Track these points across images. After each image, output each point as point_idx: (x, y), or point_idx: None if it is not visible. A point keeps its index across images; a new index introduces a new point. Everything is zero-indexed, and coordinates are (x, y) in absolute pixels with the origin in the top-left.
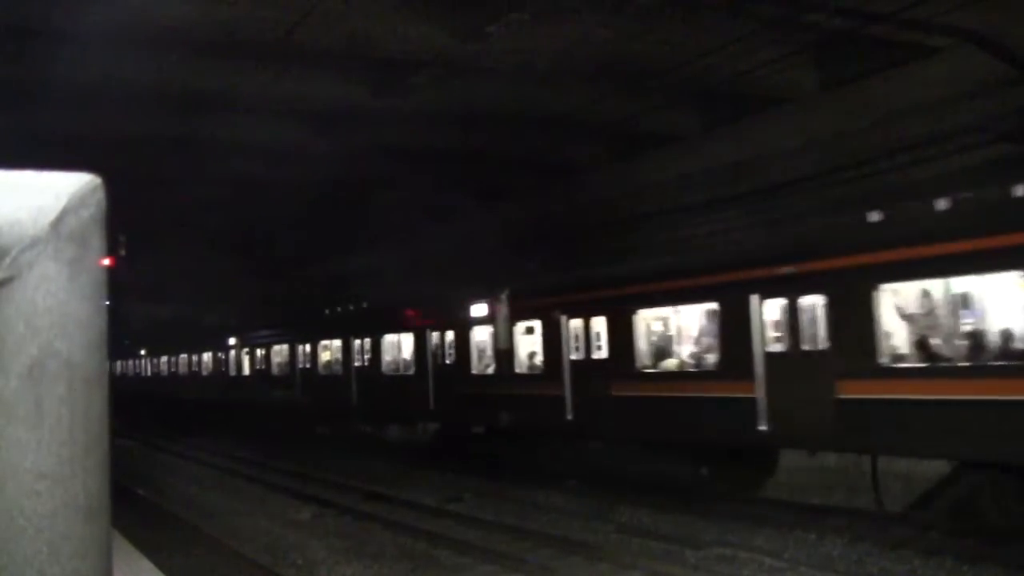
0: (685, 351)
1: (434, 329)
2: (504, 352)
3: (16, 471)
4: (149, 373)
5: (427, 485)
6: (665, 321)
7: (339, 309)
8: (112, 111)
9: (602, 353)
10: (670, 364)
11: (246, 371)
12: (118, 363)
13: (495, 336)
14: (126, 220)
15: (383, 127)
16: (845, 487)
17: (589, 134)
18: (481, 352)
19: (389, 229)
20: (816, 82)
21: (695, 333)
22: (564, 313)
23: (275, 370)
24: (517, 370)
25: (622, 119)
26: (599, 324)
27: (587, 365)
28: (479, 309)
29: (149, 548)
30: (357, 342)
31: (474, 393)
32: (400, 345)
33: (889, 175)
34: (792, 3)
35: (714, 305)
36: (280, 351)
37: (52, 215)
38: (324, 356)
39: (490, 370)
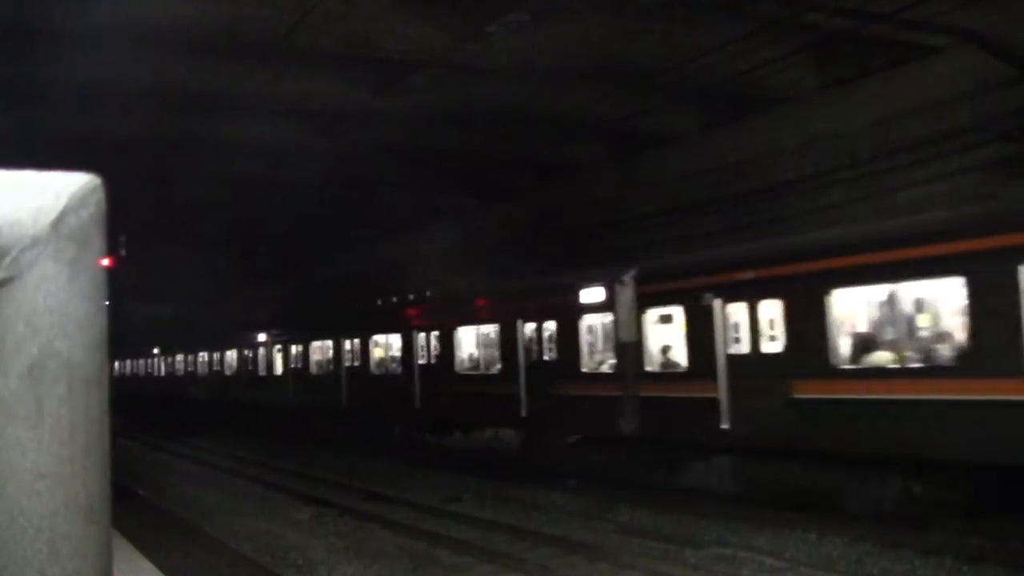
0: (906, 341)
1: (529, 320)
2: (628, 346)
3: (16, 471)
4: (163, 372)
5: (427, 485)
6: (873, 303)
7: (395, 300)
8: (112, 111)
9: (775, 345)
10: (882, 358)
11: (278, 370)
12: (128, 362)
13: (616, 326)
14: (126, 220)
15: (383, 127)
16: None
17: (589, 134)
18: (593, 346)
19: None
20: (816, 82)
21: (924, 317)
22: (719, 296)
23: (315, 369)
24: (647, 367)
25: (622, 119)
26: (771, 309)
27: (753, 361)
28: (592, 295)
29: (149, 548)
30: (422, 336)
31: (583, 395)
32: (480, 340)
33: (889, 175)
34: (792, 3)
35: (958, 280)
36: (321, 348)
37: (52, 215)
38: (377, 353)
39: (605, 367)
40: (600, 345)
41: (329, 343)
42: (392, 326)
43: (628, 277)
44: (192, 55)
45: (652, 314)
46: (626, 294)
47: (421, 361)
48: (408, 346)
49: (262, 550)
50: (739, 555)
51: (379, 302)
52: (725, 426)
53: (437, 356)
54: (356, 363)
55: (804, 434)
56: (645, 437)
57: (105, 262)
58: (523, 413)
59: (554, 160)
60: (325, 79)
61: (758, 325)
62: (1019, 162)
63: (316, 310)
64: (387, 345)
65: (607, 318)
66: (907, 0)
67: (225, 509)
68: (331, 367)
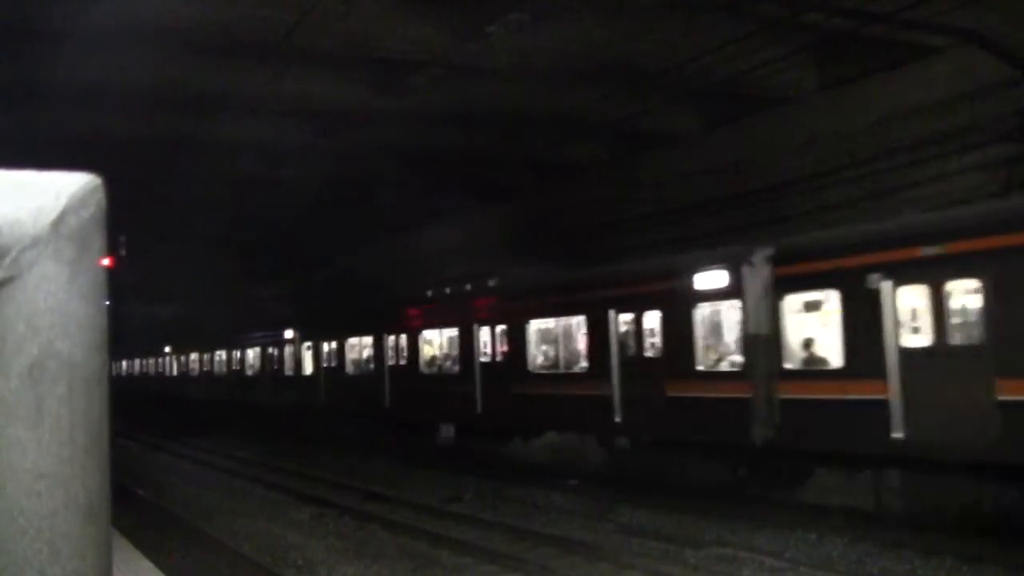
0: None
1: (624, 310)
2: (760, 339)
3: (16, 471)
4: (175, 372)
5: (427, 485)
6: None
7: (448, 290)
8: (112, 111)
9: (972, 336)
10: None
11: (308, 370)
12: (136, 362)
13: (744, 316)
14: (126, 220)
15: (383, 127)
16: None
17: (589, 134)
18: (710, 340)
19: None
20: (816, 82)
21: None
22: (889, 277)
23: (351, 368)
24: (786, 364)
25: (622, 119)
26: (966, 292)
27: (938, 355)
28: (711, 279)
29: (149, 548)
30: (484, 331)
31: (697, 397)
32: (559, 334)
33: (889, 175)
34: (792, 3)
35: None
36: (359, 345)
37: (52, 215)
38: (428, 351)
39: (726, 364)
40: (720, 338)
41: (369, 340)
42: (447, 320)
43: (760, 257)
44: (192, 55)
45: (793, 301)
46: (758, 277)
47: (483, 359)
48: (467, 342)
49: (262, 550)
50: (739, 555)
51: (429, 293)
52: (898, 435)
53: (504, 353)
54: (402, 361)
55: (1018, 444)
56: (783, 446)
57: (105, 262)
58: (616, 418)
59: (557, 160)
60: (325, 79)
61: (946, 311)
62: (1019, 162)
63: (353, 303)
64: (440, 341)
65: (731, 306)
66: (907, 0)
67: (225, 509)
68: (371, 366)
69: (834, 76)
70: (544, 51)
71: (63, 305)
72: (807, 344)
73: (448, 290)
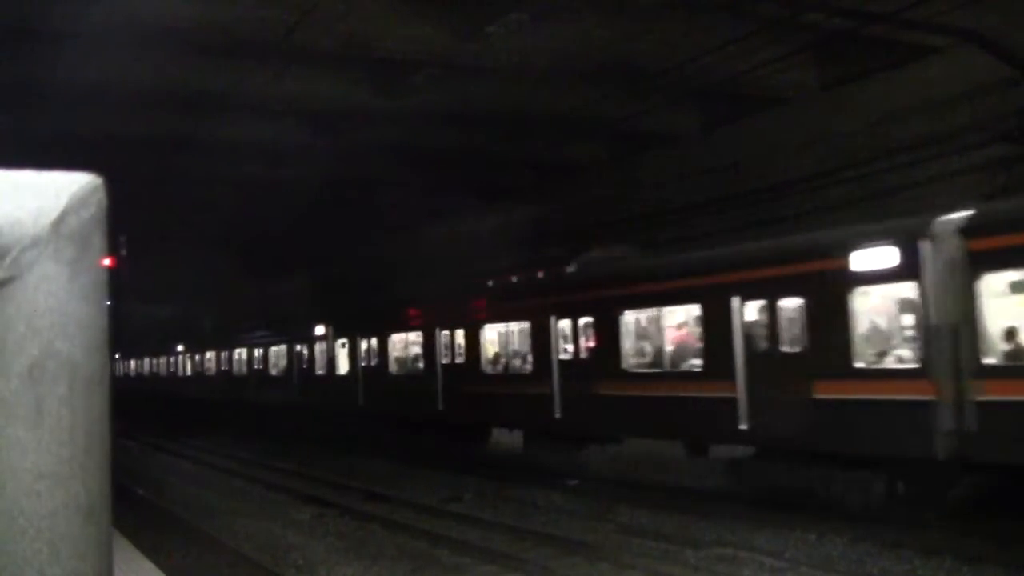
0: None
1: (751, 298)
2: (947, 329)
3: (16, 471)
4: (188, 372)
5: (427, 485)
6: None
7: (515, 279)
8: (112, 111)
9: None
10: None
11: (343, 369)
12: (147, 361)
13: (922, 301)
14: (127, 220)
15: (383, 127)
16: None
17: (589, 134)
18: (869, 331)
19: None
20: (816, 82)
21: None
22: None
23: (395, 368)
24: (985, 359)
25: (622, 119)
26: None
27: None
28: (874, 258)
29: (149, 548)
30: (564, 324)
31: (854, 400)
32: (661, 326)
33: (889, 175)
34: (792, 3)
35: None
36: (404, 342)
37: (53, 215)
38: (491, 348)
39: (892, 361)
40: (887, 328)
41: (417, 336)
42: (516, 313)
43: (946, 229)
44: (192, 55)
45: (993, 282)
46: (942, 254)
47: (563, 356)
48: (542, 338)
49: (262, 550)
50: (739, 555)
51: (491, 283)
52: None
53: (590, 350)
54: (459, 359)
55: None
56: (981, 460)
57: (106, 262)
58: (742, 424)
59: (557, 160)
60: (325, 79)
61: None
62: (1019, 162)
63: (398, 296)
64: (507, 337)
65: (902, 289)
66: (907, 0)
67: (225, 509)
68: (420, 365)
69: (834, 76)
70: (544, 51)
71: (63, 305)
72: (1009, 334)
73: (515, 279)
